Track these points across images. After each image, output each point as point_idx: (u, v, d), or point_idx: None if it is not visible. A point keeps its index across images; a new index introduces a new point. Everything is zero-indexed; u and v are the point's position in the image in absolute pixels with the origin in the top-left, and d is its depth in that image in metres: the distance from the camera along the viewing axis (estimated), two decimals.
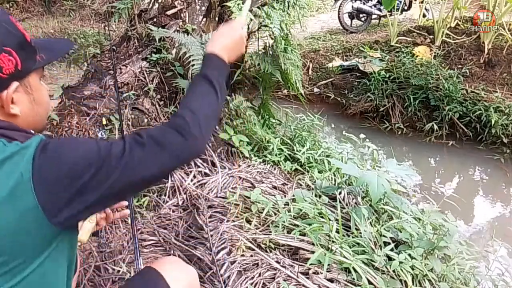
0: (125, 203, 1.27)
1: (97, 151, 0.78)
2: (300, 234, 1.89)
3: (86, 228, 1.15)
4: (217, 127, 2.71)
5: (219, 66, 1.04)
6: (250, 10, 2.51)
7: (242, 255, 1.78)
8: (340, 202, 2.11)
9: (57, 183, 0.74)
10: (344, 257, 1.70)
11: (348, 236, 1.92)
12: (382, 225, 1.96)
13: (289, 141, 2.94)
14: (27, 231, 0.73)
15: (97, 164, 0.76)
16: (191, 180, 2.35)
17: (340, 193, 2.26)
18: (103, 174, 0.77)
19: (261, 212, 2.05)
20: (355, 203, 2.24)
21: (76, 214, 0.77)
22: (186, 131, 0.86)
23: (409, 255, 1.76)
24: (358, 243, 1.84)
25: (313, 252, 1.74)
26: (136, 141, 0.82)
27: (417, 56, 5.42)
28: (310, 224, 1.91)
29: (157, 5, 2.77)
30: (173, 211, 2.20)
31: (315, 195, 2.27)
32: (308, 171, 2.64)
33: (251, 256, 1.78)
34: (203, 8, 2.74)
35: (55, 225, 0.75)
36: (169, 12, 2.69)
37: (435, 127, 4.78)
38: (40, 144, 0.76)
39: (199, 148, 0.89)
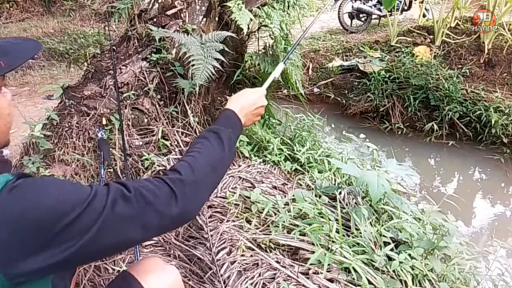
0: None
1: (74, 200, 0.65)
2: (300, 234, 1.89)
3: None
4: None
5: (234, 125, 1.00)
6: (250, 10, 2.51)
7: (242, 255, 1.78)
8: (340, 202, 2.11)
9: (18, 233, 0.61)
10: (344, 257, 1.70)
11: (348, 236, 1.92)
12: (382, 225, 1.96)
13: (289, 141, 2.94)
14: None
15: (70, 216, 0.64)
16: None
17: (340, 193, 2.26)
18: (75, 230, 0.64)
19: (261, 212, 2.05)
20: (355, 203, 2.24)
21: (35, 271, 0.63)
22: (182, 193, 0.76)
23: (409, 255, 1.76)
24: (358, 243, 1.84)
25: (313, 252, 1.74)
26: (122, 194, 0.70)
27: (417, 56, 5.43)
28: (310, 224, 1.91)
29: (157, 5, 2.76)
30: None
31: (315, 195, 2.27)
32: (308, 171, 2.64)
33: (251, 256, 1.78)
34: (203, 8, 2.74)
35: (7, 278, 0.62)
36: (169, 12, 2.69)
37: (435, 127, 4.79)
38: (5, 188, 0.64)
39: (191, 214, 0.79)
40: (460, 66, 5.33)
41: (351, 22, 7.04)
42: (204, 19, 2.76)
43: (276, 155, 2.68)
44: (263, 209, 2.04)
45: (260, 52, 2.88)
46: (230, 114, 1.02)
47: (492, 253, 2.08)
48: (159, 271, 1.07)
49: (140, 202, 0.71)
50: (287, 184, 2.46)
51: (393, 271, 1.70)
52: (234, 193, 2.18)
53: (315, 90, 5.95)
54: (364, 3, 6.75)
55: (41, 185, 0.66)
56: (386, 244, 1.85)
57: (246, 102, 1.05)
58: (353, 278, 1.65)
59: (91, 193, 0.68)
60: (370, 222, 1.99)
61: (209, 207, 2.15)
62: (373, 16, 6.90)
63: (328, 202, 2.25)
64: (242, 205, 2.12)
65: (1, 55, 0.75)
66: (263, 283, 1.65)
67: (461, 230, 3.03)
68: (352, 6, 6.81)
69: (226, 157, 0.92)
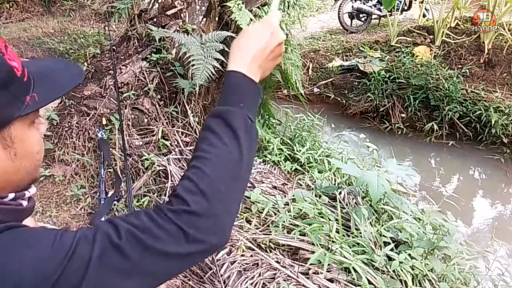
0: None
1: (53, 255, 0.53)
2: (300, 234, 1.89)
3: None
4: None
5: (247, 94, 0.72)
6: (250, 10, 2.51)
7: (242, 255, 1.78)
8: (340, 202, 2.11)
9: None
10: (344, 257, 1.70)
11: (348, 236, 1.92)
12: (382, 225, 1.96)
13: (289, 141, 2.94)
14: None
15: (49, 279, 0.52)
16: None
17: (340, 193, 2.26)
18: None
19: (261, 212, 2.05)
20: (355, 203, 2.24)
21: None
22: (194, 229, 0.58)
23: (409, 255, 1.76)
24: (358, 243, 1.84)
25: (313, 252, 1.74)
26: (110, 241, 0.56)
27: (417, 56, 5.43)
28: (310, 224, 1.91)
29: (157, 5, 2.76)
30: None
31: (315, 195, 2.27)
32: (308, 171, 2.64)
33: (251, 256, 1.78)
34: (203, 8, 2.74)
35: None
36: (169, 12, 2.69)
37: (435, 127, 4.79)
38: None
39: (218, 245, 0.62)
40: (460, 66, 5.33)
41: (351, 22, 7.04)
42: (204, 19, 2.76)
43: (276, 155, 2.68)
44: (263, 209, 2.04)
45: None
46: (238, 80, 0.71)
47: (492, 253, 2.08)
48: None
49: (135, 248, 0.56)
50: (287, 184, 2.46)
51: (393, 271, 1.70)
52: None
53: (315, 90, 5.95)
54: (364, 3, 6.75)
55: (16, 245, 0.55)
56: (386, 244, 1.85)
57: (255, 48, 0.73)
58: (353, 278, 1.65)
59: (72, 244, 0.54)
60: (370, 222, 2.00)
61: None
62: (373, 16, 6.90)
63: (328, 202, 2.25)
64: (242, 205, 2.12)
65: (38, 83, 0.64)
66: (263, 283, 1.65)
67: (461, 230, 3.03)
68: (352, 6, 6.81)
69: (246, 151, 0.66)
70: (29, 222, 1.07)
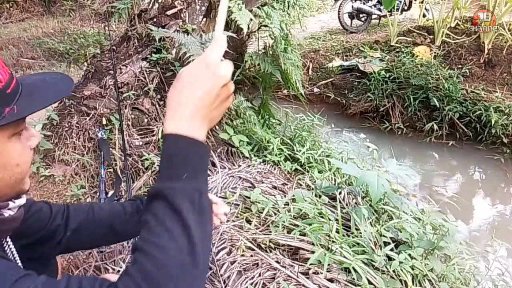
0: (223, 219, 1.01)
1: None
2: (300, 234, 1.89)
3: None
4: (217, 126, 2.70)
5: (191, 160, 0.60)
6: (250, 10, 2.51)
7: (242, 255, 1.78)
8: (340, 202, 2.11)
9: None
10: (344, 257, 1.70)
11: (348, 236, 1.92)
12: (382, 225, 1.96)
13: (289, 141, 2.94)
14: None
15: None
16: None
17: (340, 193, 2.26)
18: None
19: (261, 212, 2.05)
20: (355, 203, 2.24)
21: None
22: None
23: (409, 255, 1.76)
24: (358, 243, 1.84)
25: (313, 252, 1.74)
26: None
27: (417, 56, 5.43)
28: (310, 224, 1.91)
29: (157, 5, 2.77)
30: None
31: (315, 195, 2.27)
32: (308, 171, 2.64)
33: (251, 256, 1.78)
34: (203, 8, 2.74)
35: None
36: (169, 12, 2.69)
37: (435, 127, 4.79)
38: None
39: None
40: (460, 66, 5.33)
41: (351, 22, 7.04)
42: (204, 19, 2.76)
43: (276, 155, 2.69)
44: (263, 209, 2.04)
45: (260, 52, 2.88)
46: (177, 145, 0.60)
47: (492, 253, 2.08)
48: None
49: None
50: (287, 184, 2.46)
51: (393, 271, 1.70)
52: (234, 193, 2.19)
53: (315, 90, 5.95)
54: (364, 3, 6.75)
55: None
56: (386, 244, 1.85)
57: (194, 98, 0.60)
58: (353, 278, 1.65)
59: None
60: (370, 222, 2.00)
61: None
62: (373, 16, 6.90)
63: (328, 202, 2.25)
64: (242, 205, 2.12)
65: (22, 97, 0.63)
66: (263, 283, 1.65)
67: (461, 230, 3.03)
68: (352, 6, 6.81)
69: (196, 232, 0.56)
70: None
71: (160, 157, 0.63)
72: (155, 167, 2.28)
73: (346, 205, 2.20)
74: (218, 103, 0.63)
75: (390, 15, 6.26)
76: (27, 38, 6.24)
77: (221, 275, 1.69)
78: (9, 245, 0.76)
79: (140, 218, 0.92)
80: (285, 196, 2.28)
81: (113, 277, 1.13)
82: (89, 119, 2.39)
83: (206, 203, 0.60)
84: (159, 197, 0.58)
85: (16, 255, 0.77)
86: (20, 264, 0.77)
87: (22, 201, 0.73)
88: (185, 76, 0.62)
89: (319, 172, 2.62)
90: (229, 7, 2.36)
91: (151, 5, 2.77)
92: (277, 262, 1.74)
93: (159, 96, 2.54)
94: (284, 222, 1.95)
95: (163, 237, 0.56)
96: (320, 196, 2.28)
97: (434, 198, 2.53)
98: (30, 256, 0.90)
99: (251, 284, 1.63)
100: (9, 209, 0.70)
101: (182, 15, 2.70)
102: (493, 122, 4.43)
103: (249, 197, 2.15)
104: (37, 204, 0.95)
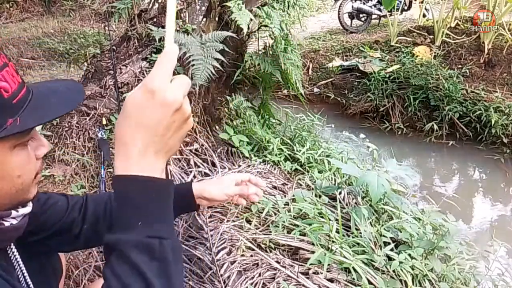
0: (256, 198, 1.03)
1: None
2: (300, 234, 1.89)
3: None
4: (217, 126, 2.70)
5: (147, 202, 0.54)
6: (250, 10, 2.51)
7: (242, 255, 1.78)
8: (340, 202, 2.11)
9: None
10: (344, 257, 1.70)
11: (348, 236, 1.92)
12: (382, 225, 1.96)
13: (289, 141, 2.94)
14: None
15: None
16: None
17: (340, 193, 2.26)
18: None
19: (261, 212, 2.05)
20: (355, 203, 2.24)
21: None
22: None
23: (409, 255, 1.76)
24: (358, 243, 1.84)
25: (313, 252, 1.74)
26: None
27: (417, 56, 5.43)
28: (310, 224, 1.91)
29: (157, 5, 2.77)
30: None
31: (315, 195, 2.27)
32: (308, 171, 2.64)
33: (251, 256, 1.78)
34: (203, 8, 2.74)
35: None
36: None
37: (435, 127, 4.79)
38: None
39: None
40: (460, 66, 5.33)
41: (351, 22, 7.04)
42: (204, 19, 2.76)
43: (276, 155, 2.68)
44: (263, 209, 2.04)
45: (260, 52, 2.88)
46: (127, 188, 0.54)
47: (492, 253, 2.08)
48: None
49: None
50: (287, 184, 2.46)
51: (393, 271, 1.71)
52: None
53: (315, 90, 5.95)
54: (364, 3, 6.75)
55: None
56: (386, 244, 1.85)
57: (142, 131, 0.53)
58: (353, 278, 1.65)
59: None
60: (370, 222, 2.00)
61: (209, 207, 2.15)
62: (373, 16, 6.90)
63: (328, 202, 2.25)
64: (242, 205, 2.12)
65: (28, 107, 0.61)
66: (263, 283, 1.65)
67: (461, 230, 3.03)
68: (352, 6, 6.81)
69: (161, 284, 0.53)
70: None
71: (113, 202, 0.56)
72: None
73: (346, 205, 2.20)
74: (172, 132, 0.55)
75: (390, 15, 6.26)
76: (27, 38, 6.24)
77: (221, 275, 1.69)
78: (13, 252, 0.75)
79: None
80: (285, 196, 2.28)
81: None
82: (89, 119, 2.39)
83: (169, 249, 0.54)
84: (115, 250, 0.54)
85: (20, 261, 0.76)
86: (24, 270, 0.76)
87: (27, 209, 0.72)
88: (129, 108, 0.54)
89: (319, 172, 2.62)
90: (233, 12, 2.36)
91: (151, 5, 2.77)
92: (277, 262, 1.74)
93: None
94: (284, 222, 1.95)
95: None
96: (320, 196, 2.28)
97: (434, 198, 2.53)
98: (46, 250, 0.89)
99: (251, 284, 1.63)
100: (12, 217, 0.68)
101: (182, 15, 2.70)
102: (493, 122, 4.44)
103: None
104: (54, 197, 0.93)
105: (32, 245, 0.83)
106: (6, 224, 0.68)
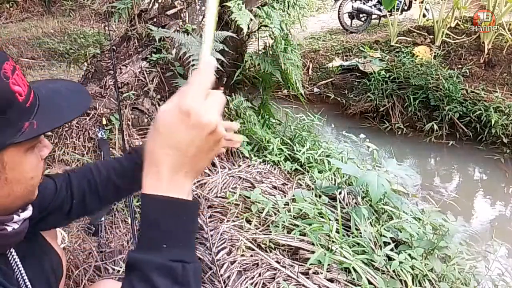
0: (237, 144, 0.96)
1: None
2: (300, 234, 1.89)
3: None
4: None
5: (173, 224, 0.53)
6: (250, 10, 2.51)
7: (242, 255, 1.78)
8: (340, 202, 2.11)
9: None
10: (344, 257, 1.70)
11: (348, 236, 1.92)
12: (382, 225, 1.96)
13: (289, 141, 2.94)
14: None
15: None
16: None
17: (340, 193, 2.26)
18: None
19: (261, 212, 2.05)
20: (355, 203, 2.24)
21: None
22: None
23: (409, 255, 1.76)
24: (358, 243, 1.84)
25: (313, 252, 1.74)
26: None
27: (417, 56, 5.43)
28: (310, 224, 1.91)
29: (157, 5, 2.77)
30: None
31: (315, 195, 2.27)
32: (308, 171, 2.64)
33: (251, 256, 1.78)
34: (203, 8, 2.74)
35: None
36: (169, 12, 2.69)
37: (435, 127, 4.79)
38: None
39: None
40: (460, 66, 5.33)
41: (351, 22, 7.04)
42: (204, 19, 2.76)
43: (276, 155, 2.68)
44: (263, 209, 2.04)
45: (260, 52, 2.88)
46: (155, 208, 0.53)
47: (492, 253, 2.08)
48: None
49: None
50: (287, 184, 2.46)
51: (393, 271, 1.70)
52: (234, 193, 2.18)
53: (315, 90, 5.95)
54: (364, 3, 6.75)
55: None
56: (386, 244, 1.85)
57: (173, 152, 0.52)
58: (353, 278, 1.65)
59: None
60: (370, 222, 2.00)
61: (209, 207, 2.15)
62: (373, 16, 6.90)
63: (328, 202, 2.25)
64: (242, 205, 2.12)
65: (40, 110, 0.62)
66: (263, 283, 1.65)
67: (461, 230, 3.03)
68: (352, 6, 6.81)
69: None
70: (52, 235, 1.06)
71: (140, 218, 0.55)
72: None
73: (346, 205, 2.20)
74: (204, 153, 0.54)
75: (390, 15, 6.26)
76: (27, 38, 6.24)
77: (221, 275, 1.69)
78: (13, 255, 0.75)
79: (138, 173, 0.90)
80: (285, 196, 2.28)
81: (110, 281, 1.13)
82: (89, 119, 2.39)
83: (191, 273, 0.53)
84: (136, 269, 0.52)
85: (20, 264, 0.76)
86: (24, 273, 0.76)
87: (27, 214, 0.72)
88: (161, 126, 0.52)
89: (319, 172, 2.62)
90: (233, 12, 2.36)
91: (151, 5, 2.77)
92: (277, 262, 1.74)
93: (159, 96, 2.54)
94: (284, 222, 1.95)
95: None
96: (320, 196, 2.28)
97: (434, 198, 2.53)
98: (43, 228, 0.91)
99: (251, 284, 1.63)
100: (14, 222, 0.69)
101: (182, 15, 2.70)
102: (493, 122, 4.43)
103: (249, 197, 2.15)
104: (42, 183, 0.95)
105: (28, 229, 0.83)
106: (9, 229, 0.68)
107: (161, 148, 0.52)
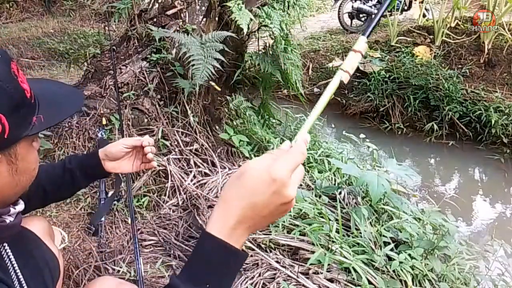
0: (153, 164, 1.16)
1: None
2: (300, 234, 1.89)
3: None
4: (217, 126, 2.70)
5: (221, 268, 0.58)
6: (250, 10, 2.51)
7: None
8: (340, 202, 2.11)
9: None
10: (344, 257, 1.70)
11: (348, 236, 1.92)
12: (382, 225, 1.96)
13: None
14: None
15: None
16: (191, 180, 2.35)
17: (340, 193, 2.26)
18: None
19: None
20: (355, 203, 2.24)
21: None
22: None
23: (409, 255, 1.76)
24: (358, 243, 1.84)
25: (313, 252, 1.74)
26: None
27: (417, 56, 5.42)
28: (310, 224, 1.91)
29: (157, 5, 2.77)
30: (173, 211, 2.20)
31: (315, 195, 2.27)
32: (308, 171, 2.64)
33: (251, 256, 1.78)
34: (203, 8, 2.74)
35: None
36: (169, 12, 2.69)
37: (435, 127, 4.78)
38: None
39: None
40: (460, 66, 5.32)
41: (351, 22, 7.04)
42: (204, 19, 2.76)
43: None
44: None
45: (260, 52, 2.88)
46: (212, 248, 0.57)
47: (492, 253, 2.08)
48: None
49: None
50: None
51: (393, 271, 1.70)
52: None
53: (315, 90, 5.95)
54: (364, 3, 6.75)
55: None
56: (386, 244, 1.85)
57: (248, 206, 0.56)
58: (353, 278, 1.65)
59: None
60: (370, 222, 2.00)
61: (209, 207, 2.15)
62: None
63: (328, 202, 2.25)
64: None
65: (43, 107, 0.68)
66: (263, 283, 1.65)
67: (461, 230, 3.03)
68: (352, 6, 6.81)
69: None
70: (42, 223, 1.06)
71: (193, 250, 0.59)
72: (155, 167, 2.27)
73: (346, 205, 2.20)
74: (272, 217, 0.58)
75: (390, 15, 6.25)
76: (27, 38, 6.23)
77: None
78: (6, 250, 0.75)
79: (68, 180, 1.07)
80: None
81: (111, 279, 1.13)
82: (89, 119, 2.39)
83: None
84: None
85: (13, 259, 0.76)
86: (17, 268, 0.76)
87: (21, 207, 0.75)
88: (246, 181, 0.56)
89: (319, 172, 2.62)
90: (233, 12, 2.35)
91: (151, 5, 2.77)
92: (277, 262, 1.74)
93: (159, 96, 2.54)
94: (284, 222, 1.95)
95: None
96: (320, 196, 2.27)
97: (434, 198, 2.53)
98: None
99: (251, 284, 1.63)
100: (9, 215, 0.71)
101: (182, 15, 2.70)
102: (493, 122, 4.43)
103: None
104: None
105: None
106: (7, 221, 0.71)
107: (239, 200, 0.56)
